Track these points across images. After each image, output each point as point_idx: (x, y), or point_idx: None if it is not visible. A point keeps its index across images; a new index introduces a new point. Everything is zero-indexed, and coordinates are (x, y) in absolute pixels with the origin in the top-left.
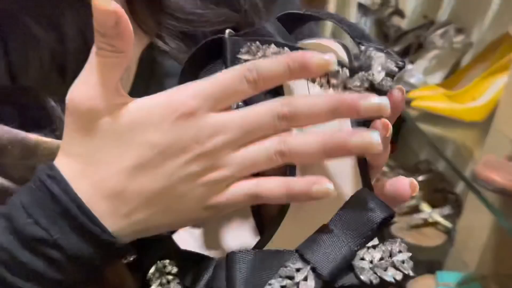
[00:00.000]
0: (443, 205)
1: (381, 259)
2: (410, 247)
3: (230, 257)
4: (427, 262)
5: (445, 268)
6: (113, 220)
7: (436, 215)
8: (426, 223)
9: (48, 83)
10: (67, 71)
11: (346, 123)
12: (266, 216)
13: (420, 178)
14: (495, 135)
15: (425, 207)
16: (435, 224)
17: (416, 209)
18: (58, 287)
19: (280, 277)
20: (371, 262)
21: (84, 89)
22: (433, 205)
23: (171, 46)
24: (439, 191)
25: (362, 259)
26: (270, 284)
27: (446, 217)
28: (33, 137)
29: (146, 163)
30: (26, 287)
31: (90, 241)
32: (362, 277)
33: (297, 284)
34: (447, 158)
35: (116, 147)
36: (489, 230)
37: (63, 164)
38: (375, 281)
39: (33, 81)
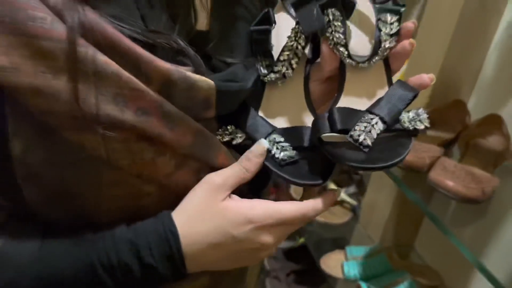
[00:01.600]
0: (348, 185)
1: (413, 117)
2: (320, 225)
3: (331, 111)
4: (336, 238)
5: (352, 243)
6: (193, 265)
7: (342, 194)
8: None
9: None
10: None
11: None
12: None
13: None
14: None
15: (332, 186)
16: (341, 202)
17: (324, 189)
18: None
19: (361, 122)
20: (408, 118)
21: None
22: (339, 185)
23: None
24: (345, 172)
25: (403, 116)
26: (357, 125)
27: (351, 195)
28: (192, 75)
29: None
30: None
31: (173, 267)
32: (404, 125)
33: (372, 125)
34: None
35: (213, 227)
36: (390, 207)
37: (180, 223)
38: (411, 127)
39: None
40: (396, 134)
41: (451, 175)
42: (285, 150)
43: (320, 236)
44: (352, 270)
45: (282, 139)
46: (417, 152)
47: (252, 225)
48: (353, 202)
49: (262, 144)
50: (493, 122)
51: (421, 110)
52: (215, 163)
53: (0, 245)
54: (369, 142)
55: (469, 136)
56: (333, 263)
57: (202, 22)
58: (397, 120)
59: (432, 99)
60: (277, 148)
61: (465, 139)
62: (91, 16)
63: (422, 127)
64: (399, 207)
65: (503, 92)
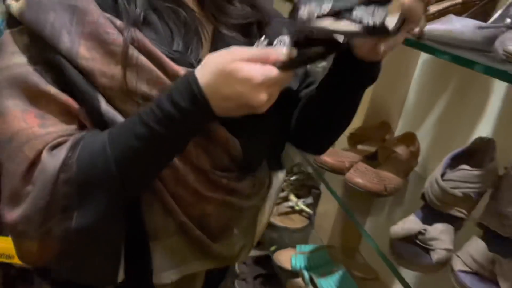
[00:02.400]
0: (306, 197)
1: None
2: (281, 229)
3: None
4: (294, 241)
5: None
6: (214, 103)
7: (301, 204)
8: (293, 211)
9: None
10: None
11: None
12: None
13: (293, 177)
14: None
15: (292, 197)
16: (300, 211)
17: (286, 199)
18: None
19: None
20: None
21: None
22: (299, 197)
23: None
24: (306, 186)
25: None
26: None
27: (308, 205)
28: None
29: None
30: (158, 128)
31: (198, 107)
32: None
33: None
34: (311, 162)
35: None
36: (336, 215)
37: (201, 75)
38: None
39: None
40: None
41: (361, 174)
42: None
43: (282, 240)
44: (299, 262)
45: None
46: (339, 157)
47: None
48: (309, 211)
49: (282, 50)
50: (408, 139)
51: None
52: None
53: (84, 134)
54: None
55: (386, 149)
56: (284, 258)
57: (206, 52)
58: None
59: (365, 121)
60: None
61: (383, 151)
62: (139, 34)
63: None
64: (343, 216)
65: (422, 115)
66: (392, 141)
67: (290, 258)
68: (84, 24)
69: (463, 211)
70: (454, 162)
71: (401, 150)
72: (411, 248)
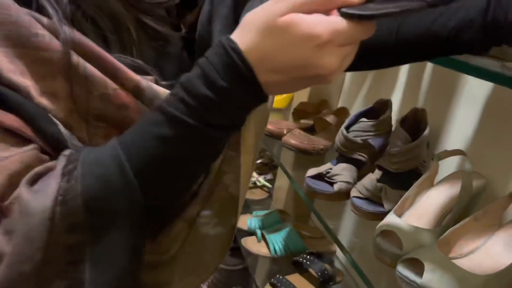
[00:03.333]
0: (266, 173)
1: None
2: (245, 201)
3: None
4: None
5: None
6: (263, 77)
7: (262, 180)
8: (256, 186)
9: None
10: None
11: None
12: None
13: (259, 160)
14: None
15: (254, 174)
16: (262, 186)
17: None
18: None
19: None
20: None
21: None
22: (260, 173)
23: None
24: (266, 164)
25: None
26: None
27: (267, 180)
28: (156, 87)
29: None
30: (191, 122)
31: (247, 87)
32: None
33: None
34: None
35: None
36: (289, 188)
37: (241, 37)
38: None
39: None
40: None
41: (294, 137)
42: None
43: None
44: (253, 223)
45: None
46: (278, 125)
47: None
48: (269, 185)
49: None
50: (341, 112)
51: None
52: None
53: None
54: None
55: (321, 120)
56: (242, 222)
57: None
58: None
59: (309, 99)
60: None
61: (318, 122)
62: (78, 34)
63: None
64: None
65: (355, 93)
66: (326, 113)
67: (246, 220)
68: (2, 25)
69: (364, 155)
70: (358, 118)
71: (331, 119)
72: (319, 182)
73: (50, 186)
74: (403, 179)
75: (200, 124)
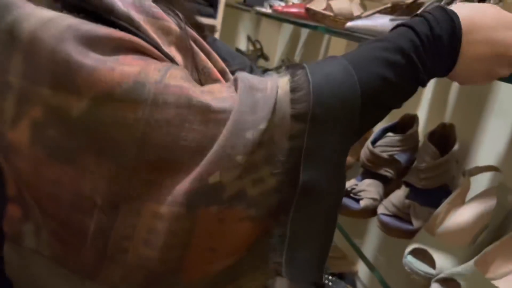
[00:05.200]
0: None
1: None
2: None
3: None
4: None
5: None
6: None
7: None
8: None
9: None
10: None
11: None
12: None
13: None
14: None
15: None
16: None
17: None
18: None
19: None
20: None
21: None
22: None
23: None
24: None
25: None
26: None
27: None
28: None
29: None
30: (414, 57)
31: (442, 64)
32: None
33: None
34: None
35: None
36: None
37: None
38: None
39: None
40: None
41: None
42: None
43: None
44: None
45: None
46: None
47: None
48: None
49: None
50: None
51: None
52: None
53: None
54: None
55: None
56: None
57: None
58: None
59: None
60: None
61: None
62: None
63: None
64: None
65: None
66: None
67: None
68: None
69: (390, 170)
70: (384, 133)
71: None
72: (345, 199)
73: (282, 79)
74: (432, 195)
75: (416, 60)
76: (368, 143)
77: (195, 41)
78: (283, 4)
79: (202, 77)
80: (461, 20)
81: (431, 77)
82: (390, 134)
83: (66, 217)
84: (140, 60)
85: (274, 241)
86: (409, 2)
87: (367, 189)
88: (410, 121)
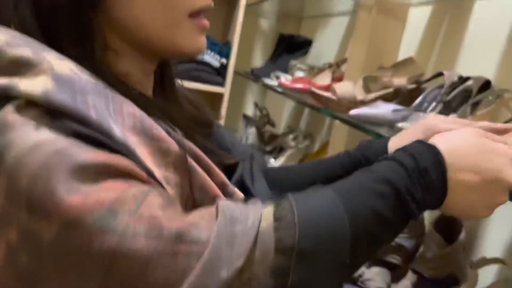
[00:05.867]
0: None
1: None
2: None
3: None
4: None
5: None
6: (455, 175)
7: None
8: None
9: None
10: None
11: None
12: None
13: None
14: None
15: None
16: None
17: None
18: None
19: None
20: None
21: None
22: None
23: None
24: None
25: None
26: None
27: None
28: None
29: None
30: (401, 188)
31: (433, 195)
32: None
33: None
34: None
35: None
36: None
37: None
38: None
39: None
40: None
41: None
42: None
43: None
44: None
45: None
46: None
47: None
48: None
49: None
50: None
51: None
52: None
53: None
54: None
55: None
56: None
57: None
58: None
59: None
60: None
61: None
62: (188, 143)
63: None
64: None
65: None
66: None
67: None
68: (123, 114)
69: (397, 257)
70: None
71: None
72: (352, 287)
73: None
74: (440, 285)
75: (404, 190)
76: None
77: (196, 158)
78: (289, 77)
79: (198, 195)
80: (442, 151)
81: (423, 210)
82: None
83: None
84: (121, 183)
85: None
86: (411, 88)
87: (374, 278)
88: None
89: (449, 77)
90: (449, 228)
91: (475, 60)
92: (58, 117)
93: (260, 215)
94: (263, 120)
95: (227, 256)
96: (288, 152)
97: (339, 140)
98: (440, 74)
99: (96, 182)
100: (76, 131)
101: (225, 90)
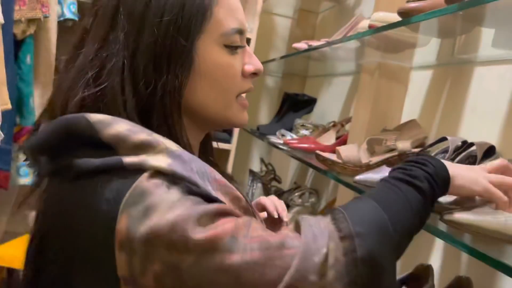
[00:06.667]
0: None
1: None
2: None
3: None
4: None
5: None
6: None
7: None
8: None
9: None
10: None
11: None
12: None
13: None
14: None
15: None
16: None
17: None
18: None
19: None
20: None
21: None
22: None
23: None
24: None
25: None
26: None
27: None
28: None
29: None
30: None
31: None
32: None
33: None
34: None
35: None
36: None
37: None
38: None
39: None
40: None
41: None
42: None
43: None
44: None
45: None
46: None
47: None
48: None
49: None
50: None
51: None
52: None
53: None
54: None
55: None
56: None
57: None
58: None
59: None
60: None
61: None
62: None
63: None
64: None
65: None
66: None
67: None
68: (215, 177)
69: None
70: (398, 286)
71: None
72: None
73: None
74: None
75: (430, 192)
76: None
77: (248, 202)
78: (294, 136)
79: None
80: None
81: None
82: None
83: None
84: (231, 219)
85: None
86: (416, 151)
87: None
88: (424, 272)
89: (453, 141)
90: None
91: (478, 124)
92: (178, 182)
93: (325, 218)
94: (269, 176)
95: (315, 248)
96: (295, 209)
97: (345, 198)
98: (443, 139)
99: (217, 219)
100: (192, 190)
101: (232, 147)
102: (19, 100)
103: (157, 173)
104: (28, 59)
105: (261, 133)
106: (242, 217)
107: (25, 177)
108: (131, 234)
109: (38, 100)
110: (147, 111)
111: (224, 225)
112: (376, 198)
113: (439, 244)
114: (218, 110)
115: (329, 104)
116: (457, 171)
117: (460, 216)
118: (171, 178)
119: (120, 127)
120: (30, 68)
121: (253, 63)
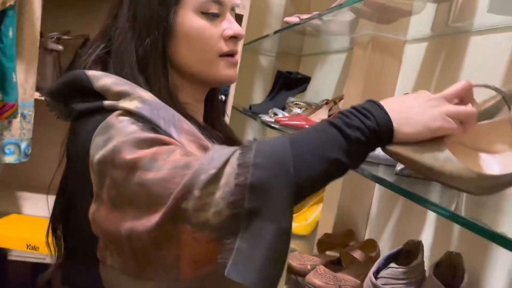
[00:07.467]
0: None
1: None
2: None
3: None
4: None
5: None
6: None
7: None
8: None
9: None
10: None
11: None
12: None
13: None
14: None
15: None
16: None
17: None
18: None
19: None
20: None
21: None
22: None
23: None
24: None
25: None
26: None
27: None
28: None
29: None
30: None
31: (380, 134)
32: None
33: None
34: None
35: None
36: None
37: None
38: None
39: None
40: None
41: (319, 276)
42: None
43: None
44: None
45: None
46: (302, 260)
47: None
48: None
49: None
50: (369, 245)
51: None
52: None
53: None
54: None
55: (347, 254)
56: None
57: None
58: None
59: (334, 229)
60: None
61: (345, 256)
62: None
63: None
64: None
65: (384, 223)
66: (353, 246)
67: None
68: (183, 126)
69: None
70: (388, 262)
71: (359, 255)
72: None
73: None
74: None
75: (352, 132)
76: (371, 274)
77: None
78: (286, 114)
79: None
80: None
81: (369, 130)
82: (393, 265)
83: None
84: (164, 147)
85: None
86: None
87: None
88: (414, 248)
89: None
90: (450, 272)
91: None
92: (141, 122)
93: (235, 150)
94: None
95: (205, 169)
96: None
97: None
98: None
99: (150, 148)
100: (152, 129)
101: None
102: (1, 75)
103: (126, 112)
104: (11, 33)
105: (253, 112)
106: (174, 146)
107: (10, 155)
108: (94, 157)
109: (22, 76)
110: (144, 66)
111: (151, 150)
112: (293, 137)
113: (430, 220)
114: (202, 68)
115: (324, 82)
116: (404, 117)
117: (402, 148)
118: (136, 117)
119: (107, 80)
120: (12, 41)
121: (231, 28)
